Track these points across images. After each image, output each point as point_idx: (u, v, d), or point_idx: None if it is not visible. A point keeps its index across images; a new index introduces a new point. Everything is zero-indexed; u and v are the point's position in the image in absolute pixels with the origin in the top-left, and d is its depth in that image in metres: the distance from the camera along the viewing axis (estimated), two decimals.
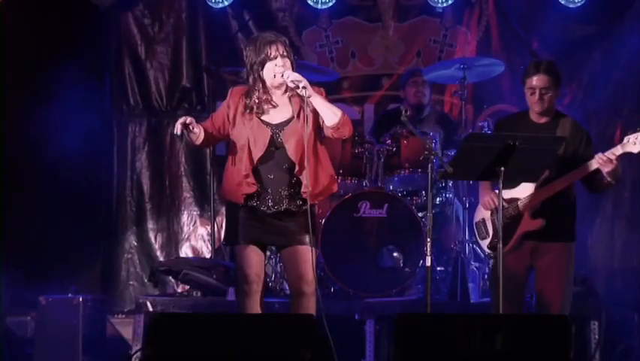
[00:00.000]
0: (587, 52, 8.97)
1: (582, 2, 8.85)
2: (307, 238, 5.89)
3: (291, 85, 5.78)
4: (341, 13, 9.29)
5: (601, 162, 6.03)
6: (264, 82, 5.89)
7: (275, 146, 5.84)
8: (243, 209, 5.91)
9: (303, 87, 5.74)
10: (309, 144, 5.81)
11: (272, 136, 5.84)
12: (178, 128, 5.76)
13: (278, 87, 5.90)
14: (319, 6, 9.12)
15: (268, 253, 7.31)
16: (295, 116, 5.88)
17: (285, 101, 5.93)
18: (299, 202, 5.88)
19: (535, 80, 6.20)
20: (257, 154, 5.83)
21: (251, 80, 5.93)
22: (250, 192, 5.84)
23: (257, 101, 5.88)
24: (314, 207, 5.95)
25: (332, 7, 9.15)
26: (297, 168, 5.83)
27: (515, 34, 9.06)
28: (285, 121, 5.89)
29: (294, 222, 5.89)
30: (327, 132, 5.87)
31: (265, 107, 5.89)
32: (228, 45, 9.20)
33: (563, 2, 8.88)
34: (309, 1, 9.11)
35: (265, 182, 5.86)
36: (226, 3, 9.13)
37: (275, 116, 5.88)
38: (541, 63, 6.33)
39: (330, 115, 5.80)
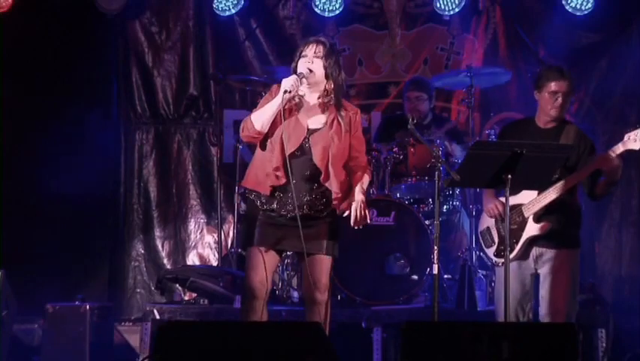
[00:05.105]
0: (593, 60, 8.97)
1: (589, 10, 8.85)
2: (326, 245, 5.92)
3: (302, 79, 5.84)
4: (348, 21, 9.29)
5: (600, 159, 6.01)
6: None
7: (303, 151, 5.86)
8: (261, 212, 5.91)
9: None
10: (336, 152, 5.85)
11: (304, 138, 5.87)
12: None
13: (313, 90, 5.92)
14: (326, 14, 9.12)
15: (287, 260, 7.35)
16: (327, 124, 5.90)
17: (320, 108, 5.95)
18: (320, 207, 5.89)
19: (559, 85, 6.19)
20: (289, 149, 5.82)
21: None
22: (278, 184, 5.84)
23: (297, 100, 5.91)
24: (335, 212, 5.96)
25: (339, 15, 9.14)
26: (322, 176, 5.86)
27: (522, 42, 9.06)
28: (317, 128, 5.90)
29: (314, 229, 5.90)
30: None
31: (302, 106, 5.92)
32: (235, 53, 9.23)
33: (570, 10, 8.87)
34: (316, 9, 9.11)
35: (288, 186, 5.86)
36: (233, 11, 9.13)
37: (310, 121, 5.91)
38: (563, 68, 6.31)
39: None
